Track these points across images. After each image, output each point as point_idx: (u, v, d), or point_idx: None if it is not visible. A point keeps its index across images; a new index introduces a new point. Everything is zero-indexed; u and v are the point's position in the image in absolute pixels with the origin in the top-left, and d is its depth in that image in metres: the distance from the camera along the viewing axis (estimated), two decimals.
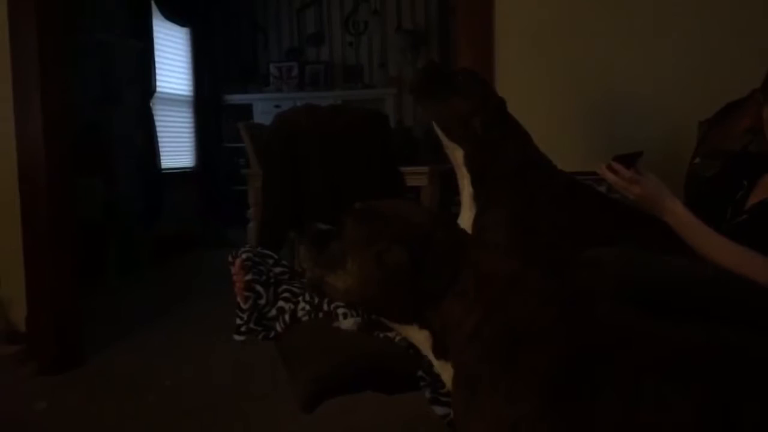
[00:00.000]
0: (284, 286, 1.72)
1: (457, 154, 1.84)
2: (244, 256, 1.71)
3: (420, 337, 1.11)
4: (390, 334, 1.52)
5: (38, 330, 2.97)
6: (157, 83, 5.87)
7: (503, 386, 0.99)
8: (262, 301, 1.69)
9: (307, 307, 1.68)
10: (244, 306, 1.69)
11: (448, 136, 1.83)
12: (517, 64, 2.53)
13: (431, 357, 1.11)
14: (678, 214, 1.55)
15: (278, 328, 1.69)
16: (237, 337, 1.71)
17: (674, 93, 2.44)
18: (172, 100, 6.38)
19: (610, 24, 2.48)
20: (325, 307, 1.67)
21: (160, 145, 5.84)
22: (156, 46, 5.91)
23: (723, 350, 1.01)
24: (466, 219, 1.82)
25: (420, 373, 1.42)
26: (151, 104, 5.77)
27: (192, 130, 6.77)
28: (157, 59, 5.89)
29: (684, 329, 1.04)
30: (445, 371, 1.09)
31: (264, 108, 6.77)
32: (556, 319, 1.02)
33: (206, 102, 6.80)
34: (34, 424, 2.45)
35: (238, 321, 1.69)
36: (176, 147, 6.45)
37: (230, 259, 1.73)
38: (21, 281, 2.98)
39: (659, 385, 0.95)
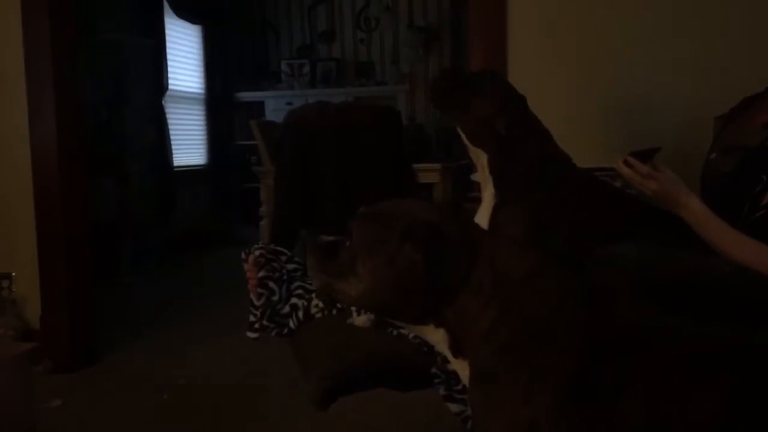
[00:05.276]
0: (297, 283, 1.72)
1: (482, 158, 1.83)
2: (257, 253, 1.71)
3: (437, 337, 1.08)
4: (404, 331, 1.51)
5: (52, 328, 2.99)
6: (169, 81, 5.88)
7: (521, 384, 0.97)
8: (276, 298, 1.69)
9: (321, 304, 1.68)
10: (257, 303, 1.69)
11: (473, 142, 1.82)
12: (531, 60, 2.51)
13: (449, 356, 1.09)
14: (694, 210, 1.54)
15: (291, 325, 1.69)
16: (250, 334, 1.71)
17: (690, 88, 2.41)
18: (184, 98, 6.40)
19: (626, 19, 2.46)
20: (338, 303, 1.67)
21: (172, 143, 5.86)
22: (168, 44, 5.92)
23: (746, 347, 0.99)
24: (484, 217, 1.81)
25: (434, 370, 1.41)
26: (163, 102, 5.78)
27: (204, 127, 6.79)
28: (169, 57, 5.90)
29: (706, 326, 1.03)
30: (462, 369, 1.07)
31: (276, 105, 6.79)
32: (574, 316, 0.99)
33: (218, 100, 6.82)
34: (49, 421, 2.46)
35: (252, 318, 1.70)
36: (188, 145, 6.47)
37: (243, 256, 1.73)
38: (35, 280, 3.00)
39: (683, 383, 0.94)
